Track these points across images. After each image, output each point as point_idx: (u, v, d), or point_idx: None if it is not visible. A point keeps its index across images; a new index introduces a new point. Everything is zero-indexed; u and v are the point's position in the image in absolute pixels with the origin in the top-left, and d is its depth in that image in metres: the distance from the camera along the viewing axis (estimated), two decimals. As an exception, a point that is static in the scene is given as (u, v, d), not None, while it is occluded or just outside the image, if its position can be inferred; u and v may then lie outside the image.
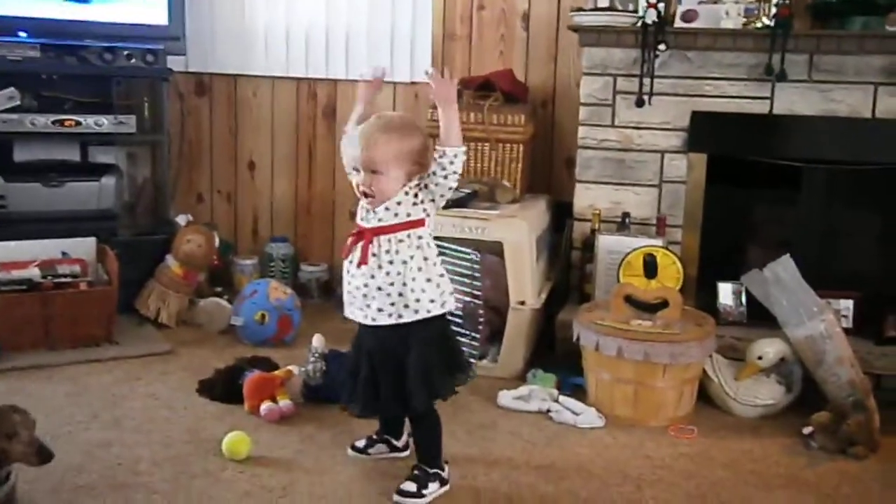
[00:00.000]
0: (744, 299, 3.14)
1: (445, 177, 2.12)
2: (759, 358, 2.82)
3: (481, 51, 3.79)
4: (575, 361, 2.94)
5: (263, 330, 3.27)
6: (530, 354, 3.16)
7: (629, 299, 2.85)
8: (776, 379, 2.83)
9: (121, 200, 3.73)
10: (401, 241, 2.14)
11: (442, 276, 2.20)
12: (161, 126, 3.79)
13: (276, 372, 2.80)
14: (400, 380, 2.17)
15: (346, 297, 2.24)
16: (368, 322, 2.18)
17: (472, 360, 2.32)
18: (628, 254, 3.04)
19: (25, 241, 3.29)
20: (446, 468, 2.28)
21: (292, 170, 4.09)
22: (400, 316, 2.15)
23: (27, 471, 2.25)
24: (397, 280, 2.14)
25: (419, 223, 2.16)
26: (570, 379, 2.96)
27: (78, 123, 3.55)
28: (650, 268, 3.00)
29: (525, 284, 3.04)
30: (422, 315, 2.15)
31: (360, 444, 2.44)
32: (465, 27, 3.79)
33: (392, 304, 2.15)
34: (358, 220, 2.20)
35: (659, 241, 3.13)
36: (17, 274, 3.16)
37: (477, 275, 2.96)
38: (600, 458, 2.50)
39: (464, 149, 2.13)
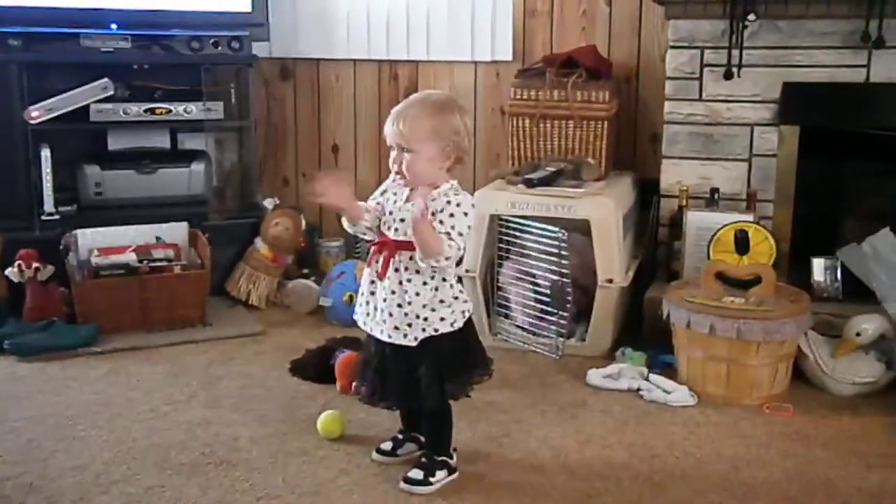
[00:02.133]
0: (839, 274, 3.05)
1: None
2: (858, 334, 2.74)
3: (563, 27, 3.74)
4: (663, 339, 2.91)
5: (351, 311, 3.27)
6: (618, 333, 3.14)
7: (721, 276, 2.80)
8: (875, 356, 2.75)
9: (210, 186, 3.82)
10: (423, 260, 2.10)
11: (456, 298, 2.14)
12: (247, 112, 3.86)
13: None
14: (410, 376, 2.13)
15: (362, 307, 2.19)
16: (384, 339, 2.13)
17: (490, 358, 2.26)
18: (718, 230, 2.98)
19: (121, 226, 3.40)
20: (454, 456, 2.24)
21: (375, 152, 4.12)
22: (415, 338, 2.10)
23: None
24: (416, 300, 2.09)
25: None
26: (660, 357, 2.94)
27: (168, 111, 3.64)
28: (742, 244, 2.94)
29: (613, 262, 3.01)
30: (429, 333, 2.11)
31: (387, 446, 2.33)
32: (546, 3, 3.75)
33: (409, 325, 2.10)
34: (384, 229, 2.14)
35: (750, 217, 3.06)
36: (115, 259, 3.26)
37: (564, 253, 2.94)
38: (694, 436, 2.47)
39: (439, 259, 2.03)
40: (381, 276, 2.10)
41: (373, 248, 2.16)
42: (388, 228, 2.13)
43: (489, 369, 2.25)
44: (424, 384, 2.13)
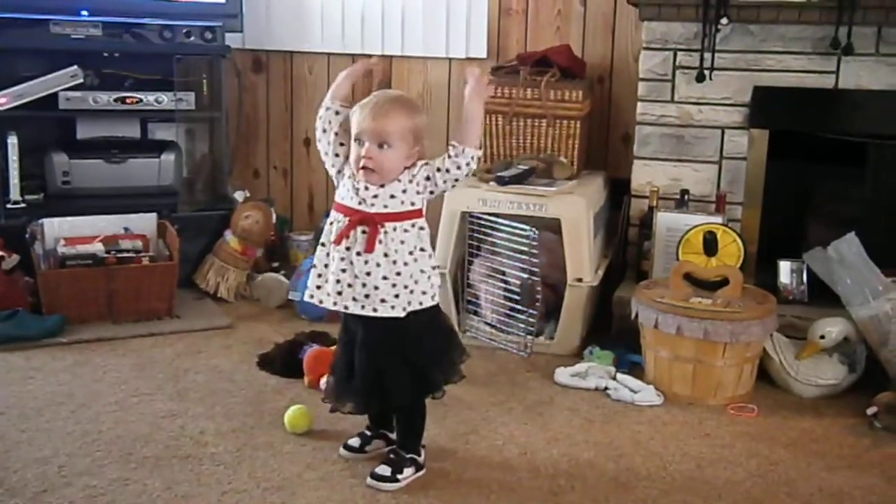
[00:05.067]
0: (805, 278, 3.09)
1: (456, 179, 2.11)
2: (822, 337, 2.78)
3: (538, 26, 3.75)
4: (631, 339, 2.93)
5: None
6: (587, 332, 3.16)
7: (689, 277, 2.83)
8: (839, 358, 2.79)
9: (180, 177, 3.78)
10: (406, 230, 2.11)
11: (434, 268, 2.17)
12: (219, 103, 3.82)
13: (335, 347, 2.83)
14: (402, 369, 2.14)
15: (332, 287, 2.11)
16: (368, 313, 2.10)
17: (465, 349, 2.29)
18: (687, 231, 3.01)
19: (89, 216, 3.35)
20: (423, 453, 2.25)
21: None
22: (403, 309, 2.10)
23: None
24: (404, 270, 2.10)
25: (419, 213, 2.14)
26: (628, 356, 2.96)
27: (139, 101, 3.61)
28: (710, 245, 2.97)
29: (582, 261, 3.03)
30: (414, 307, 2.12)
31: (354, 442, 2.32)
32: (521, 2, 3.76)
33: (396, 296, 2.09)
34: (352, 204, 2.10)
35: (719, 219, 3.09)
36: (81, 249, 3.22)
37: (534, 251, 2.95)
38: (659, 435, 2.49)
39: (480, 154, 2.12)
40: (370, 250, 2.07)
41: (347, 221, 2.10)
42: (362, 203, 2.09)
43: (465, 350, 2.27)
44: (425, 369, 2.15)
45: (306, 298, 2.22)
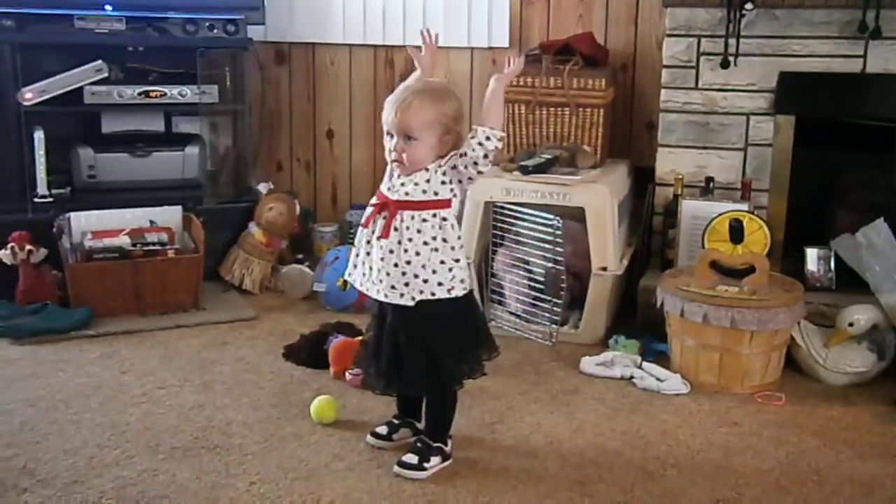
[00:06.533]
0: (832, 265, 3.06)
1: (475, 162, 2.06)
2: (851, 325, 2.75)
3: (560, 14, 3.73)
4: (657, 327, 2.92)
5: (346, 296, 3.31)
6: (612, 320, 3.15)
7: (715, 265, 2.81)
8: (868, 346, 2.76)
9: (204, 170, 3.80)
10: (424, 220, 2.10)
11: (458, 261, 2.13)
12: (242, 95, 3.84)
13: (361, 337, 2.84)
14: (419, 357, 2.14)
15: (358, 268, 2.18)
16: (381, 298, 2.13)
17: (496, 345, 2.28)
18: (713, 219, 2.98)
19: (115, 210, 3.38)
20: (450, 443, 2.25)
21: (370, 137, 4.11)
22: (412, 298, 2.09)
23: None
24: (415, 260, 2.09)
25: (445, 203, 2.12)
26: (653, 345, 2.94)
27: (163, 94, 3.63)
28: (736, 233, 2.94)
29: (607, 250, 3.01)
30: (426, 296, 2.10)
31: (382, 430, 2.33)
32: (543, -10, 3.75)
33: (406, 284, 2.09)
34: (383, 189, 2.15)
35: (744, 206, 3.06)
36: (108, 242, 3.25)
37: (559, 241, 2.94)
38: (686, 424, 2.48)
39: (502, 134, 2.07)
40: (385, 236, 2.09)
41: (372, 208, 2.15)
42: (390, 189, 2.13)
43: (496, 346, 2.26)
44: (443, 361, 2.13)
45: (345, 276, 2.28)
